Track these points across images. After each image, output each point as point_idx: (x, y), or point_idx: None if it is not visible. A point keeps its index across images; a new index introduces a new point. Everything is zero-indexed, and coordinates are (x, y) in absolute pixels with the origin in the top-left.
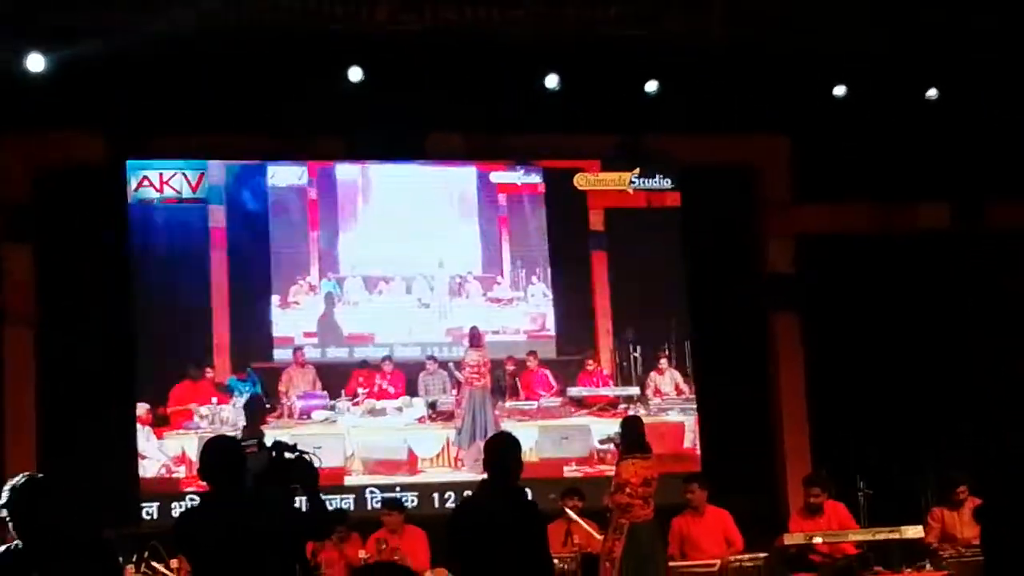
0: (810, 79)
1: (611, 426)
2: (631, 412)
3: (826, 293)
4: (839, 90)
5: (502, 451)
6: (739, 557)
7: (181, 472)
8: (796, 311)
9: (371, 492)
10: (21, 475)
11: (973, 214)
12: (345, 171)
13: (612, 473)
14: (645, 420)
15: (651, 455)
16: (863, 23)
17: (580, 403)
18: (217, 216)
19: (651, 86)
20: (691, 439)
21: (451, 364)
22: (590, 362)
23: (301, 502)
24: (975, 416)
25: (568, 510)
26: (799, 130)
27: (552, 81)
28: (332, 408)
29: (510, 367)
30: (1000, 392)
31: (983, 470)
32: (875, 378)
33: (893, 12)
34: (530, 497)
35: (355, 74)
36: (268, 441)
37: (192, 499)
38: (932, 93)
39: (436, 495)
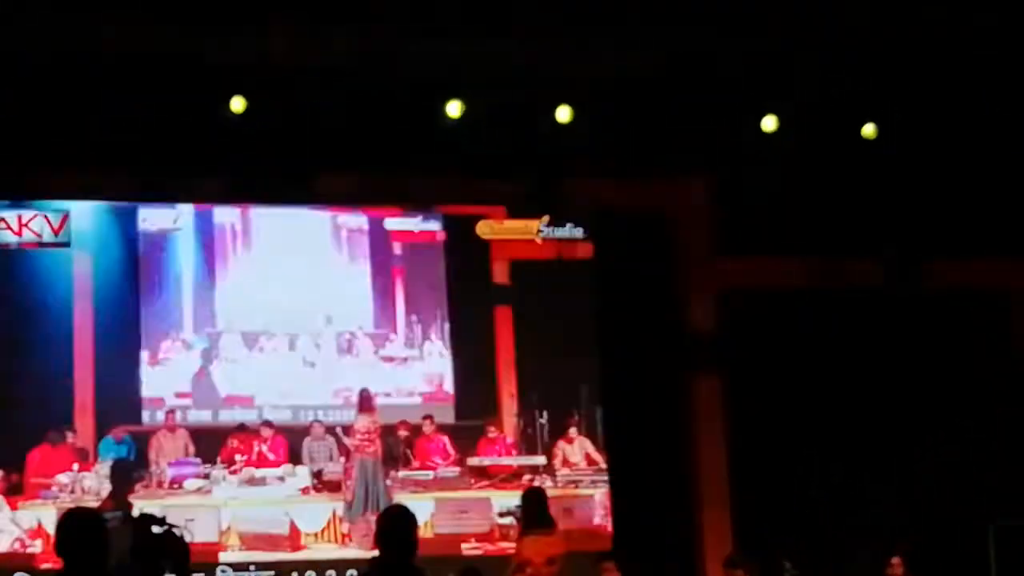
0: (735, 113)
1: (514, 499)
2: (535, 484)
3: (750, 353)
4: (768, 123)
5: (396, 525)
6: None
7: (37, 546)
8: (718, 373)
9: (248, 571)
10: None
11: (910, 272)
12: (224, 214)
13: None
14: (552, 493)
15: (555, 530)
16: (793, 49)
17: (481, 473)
18: (82, 263)
19: (563, 114)
20: (602, 514)
21: (339, 429)
22: (492, 428)
23: None
24: (907, 486)
25: None
26: (721, 172)
27: (454, 109)
28: (206, 476)
29: (403, 433)
30: (932, 460)
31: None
32: (803, 447)
33: (829, 41)
34: None
35: (237, 105)
36: (135, 513)
37: None
38: (869, 129)
39: (322, 574)
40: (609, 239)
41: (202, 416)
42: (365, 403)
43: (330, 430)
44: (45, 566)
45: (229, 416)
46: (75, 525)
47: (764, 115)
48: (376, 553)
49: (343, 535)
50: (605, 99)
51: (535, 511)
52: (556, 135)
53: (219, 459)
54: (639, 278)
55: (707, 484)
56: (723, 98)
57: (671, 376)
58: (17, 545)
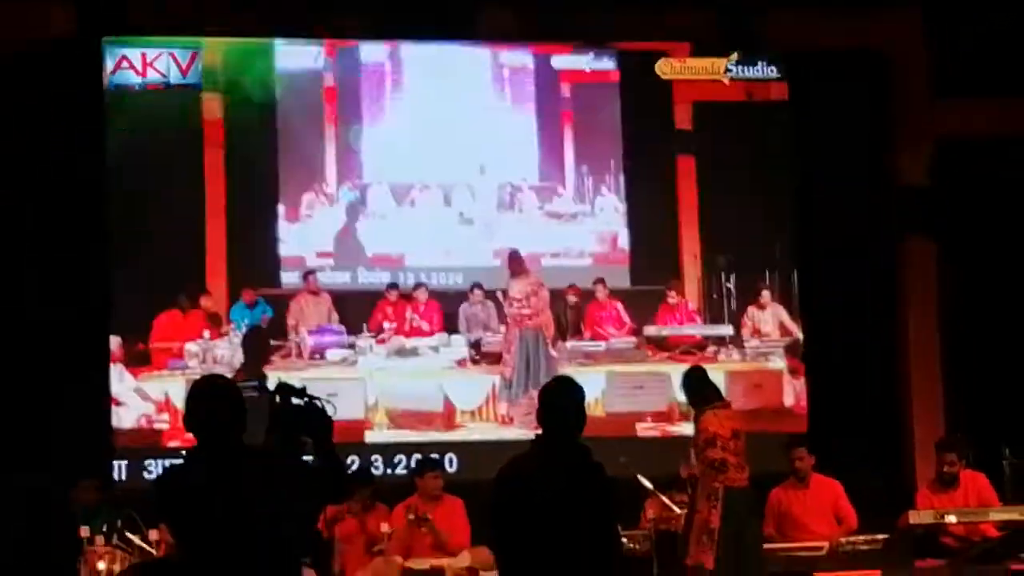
0: None
1: None
2: (721, 356)
3: (970, 213)
4: None
5: (560, 399)
6: (852, 539)
7: (164, 422)
8: (932, 235)
9: (398, 452)
10: None
11: None
12: (371, 52)
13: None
14: (739, 367)
15: (730, 406)
16: None
17: (659, 344)
18: (212, 106)
19: None
20: (796, 392)
21: (499, 293)
22: (672, 294)
23: (310, 459)
24: None
25: (642, 478)
26: (938, 1)
27: None
28: (351, 346)
29: (573, 298)
30: None
31: None
32: None
33: None
34: (595, 459)
35: None
36: (271, 384)
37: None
38: None
39: (478, 456)
40: (807, 79)
41: (347, 278)
42: (515, 264)
43: (490, 295)
44: (172, 443)
45: (377, 279)
46: (207, 395)
47: None
48: (539, 432)
49: (504, 415)
50: None
51: (704, 387)
52: None
53: (366, 326)
54: (841, 124)
55: (917, 359)
56: None
57: (878, 236)
58: (143, 421)
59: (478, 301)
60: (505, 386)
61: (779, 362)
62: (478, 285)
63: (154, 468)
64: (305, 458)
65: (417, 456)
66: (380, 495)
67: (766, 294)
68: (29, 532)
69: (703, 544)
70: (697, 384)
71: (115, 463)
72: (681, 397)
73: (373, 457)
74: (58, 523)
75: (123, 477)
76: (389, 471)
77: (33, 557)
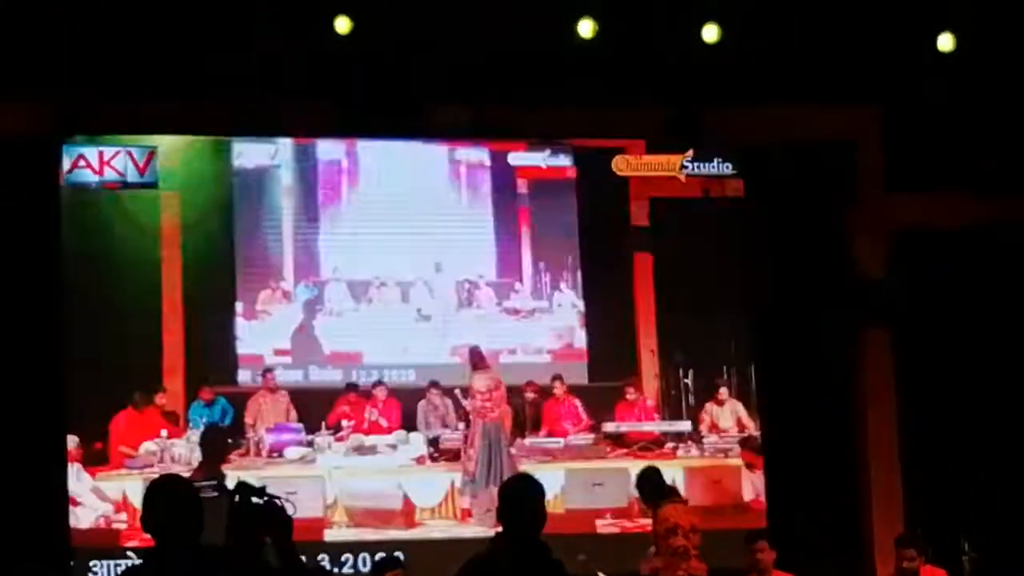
0: (906, 31)
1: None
2: (680, 452)
3: (926, 303)
4: (944, 42)
5: (520, 497)
6: None
7: (122, 521)
8: (889, 325)
9: (355, 551)
10: None
11: None
12: (328, 149)
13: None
14: (698, 463)
15: (687, 503)
16: None
17: (618, 441)
18: (170, 205)
19: (709, 33)
20: (754, 487)
21: (457, 391)
22: (630, 390)
23: (270, 559)
24: None
25: (601, 575)
26: (891, 99)
27: (586, 29)
28: (310, 444)
29: (530, 395)
30: None
31: None
32: (985, 410)
33: None
34: (555, 556)
35: (342, 26)
36: (230, 483)
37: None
38: None
39: (438, 554)
40: (762, 175)
41: (304, 376)
42: (478, 360)
43: (448, 392)
44: (131, 544)
45: (335, 376)
46: (165, 495)
47: (940, 33)
48: (498, 529)
49: (463, 510)
50: (756, 15)
51: (662, 484)
52: (701, 57)
53: (324, 424)
54: (797, 218)
55: (875, 452)
56: (893, 13)
57: (835, 329)
58: (101, 521)
59: (436, 398)
60: (468, 480)
61: (739, 458)
62: (435, 383)
63: (112, 569)
64: (266, 559)
65: (379, 555)
66: None
67: (723, 391)
68: None
69: None
70: (654, 482)
71: (73, 563)
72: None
73: (335, 555)
74: None
75: None
76: (349, 570)
77: None
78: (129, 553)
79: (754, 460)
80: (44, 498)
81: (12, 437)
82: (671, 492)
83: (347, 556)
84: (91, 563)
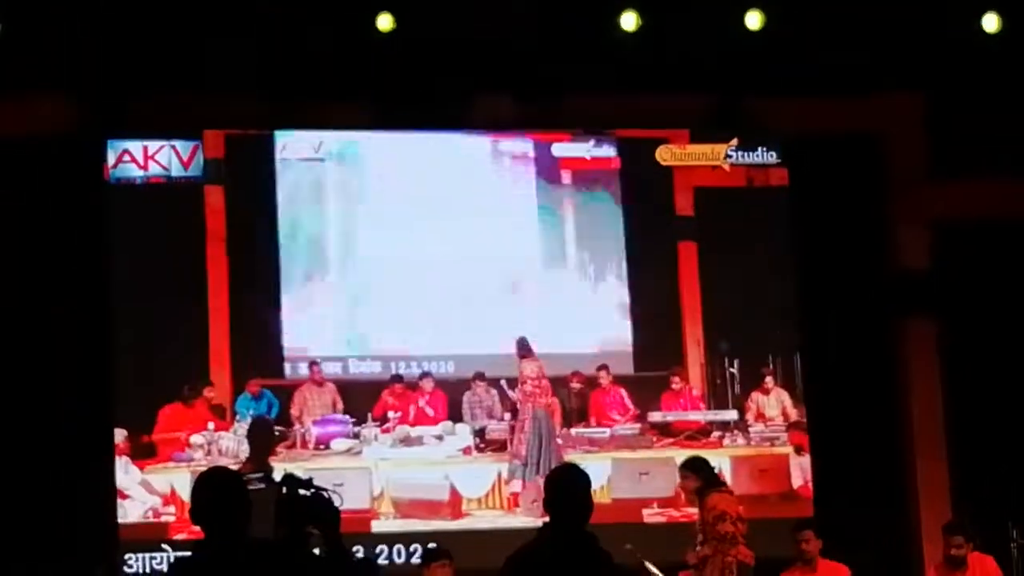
0: (950, 12)
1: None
2: (726, 441)
3: (970, 293)
4: (989, 23)
5: (567, 487)
6: None
7: (171, 514)
8: (933, 315)
9: (403, 542)
10: None
11: None
12: (372, 142)
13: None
14: (745, 452)
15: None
16: None
17: (664, 430)
18: (214, 198)
19: (753, 21)
20: (801, 476)
21: (503, 381)
22: (676, 380)
23: (318, 551)
24: None
25: (649, 565)
26: (936, 85)
27: (629, 21)
28: (356, 436)
29: (576, 385)
30: None
31: None
32: None
33: None
34: (602, 546)
35: (384, 22)
36: (277, 475)
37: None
38: None
39: (485, 545)
40: (806, 164)
41: (350, 368)
42: (524, 349)
43: (493, 383)
44: (179, 536)
45: (380, 367)
46: (213, 488)
47: (984, 13)
48: (545, 520)
49: (509, 499)
50: (799, 2)
51: (709, 473)
52: (746, 46)
53: (370, 416)
54: (841, 208)
55: (922, 441)
56: None
57: (879, 319)
58: (150, 514)
59: (481, 389)
60: (520, 465)
61: (785, 447)
62: (480, 374)
63: (166, 561)
64: (314, 550)
65: (430, 544)
66: None
67: (769, 380)
68: None
69: None
70: (702, 469)
71: (128, 556)
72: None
73: (379, 548)
74: None
75: (139, 571)
76: (398, 561)
77: None
78: (165, 546)
79: (802, 441)
80: (93, 492)
81: (61, 431)
82: (718, 481)
83: (394, 547)
84: (134, 556)
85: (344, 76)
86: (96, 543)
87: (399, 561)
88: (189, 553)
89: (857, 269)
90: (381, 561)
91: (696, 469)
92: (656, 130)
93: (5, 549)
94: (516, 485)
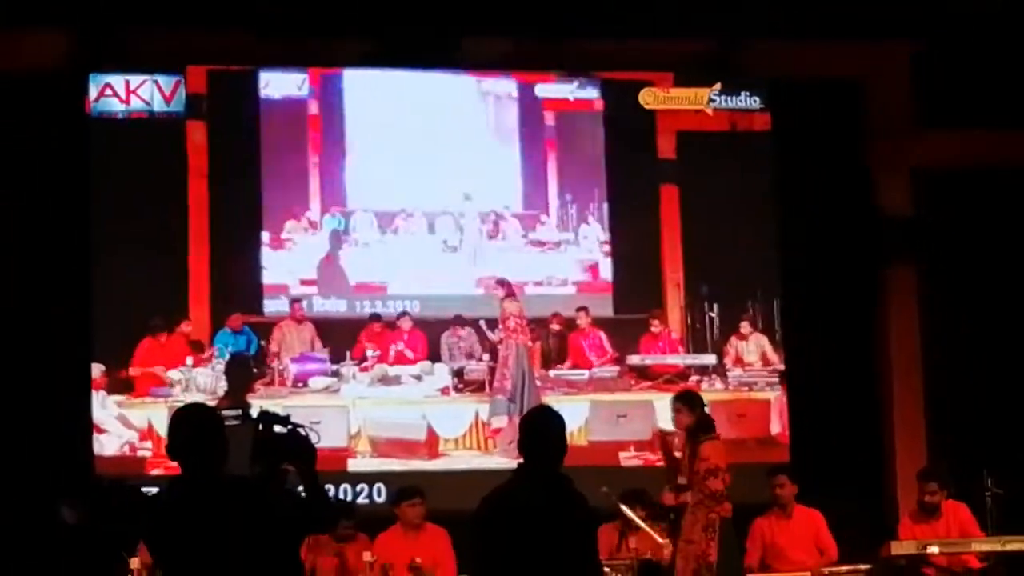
0: None
1: None
2: (704, 385)
3: (951, 241)
4: None
5: (540, 429)
6: (835, 569)
7: (147, 450)
8: (913, 263)
9: (380, 481)
10: None
11: None
12: (356, 80)
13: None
14: (722, 396)
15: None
16: None
17: (642, 374)
18: (196, 134)
19: None
20: (779, 421)
21: (482, 322)
22: (655, 323)
23: (293, 488)
24: None
25: (625, 508)
26: (921, 33)
27: None
28: (335, 374)
29: (555, 327)
30: None
31: None
32: (1009, 348)
33: None
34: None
35: None
36: (254, 412)
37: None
38: None
39: (460, 485)
40: (790, 109)
41: (329, 306)
42: (506, 288)
43: (472, 323)
44: (155, 472)
45: (360, 307)
46: (189, 424)
47: None
48: (521, 461)
49: (486, 440)
50: None
51: (704, 413)
52: None
53: (349, 355)
54: (825, 154)
55: (899, 388)
56: None
57: (860, 265)
58: (126, 448)
59: (460, 330)
60: (506, 400)
61: (763, 392)
62: (459, 316)
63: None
64: (289, 487)
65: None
66: (361, 525)
67: (747, 325)
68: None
69: None
70: (700, 404)
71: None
72: (665, 426)
73: (358, 486)
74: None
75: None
76: (377, 500)
77: None
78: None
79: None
80: (69, 426)
81: (37, 364)
82: (711, 426)
83: (374, 486)
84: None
85: (330, 12)
86: (73, 475)
87: (378, 500)
88: (166, 486)
89: (839, 215)
90: (359, 500)
91: (692, 404)
92: (640, 72)
93: None
94: (502, 421)
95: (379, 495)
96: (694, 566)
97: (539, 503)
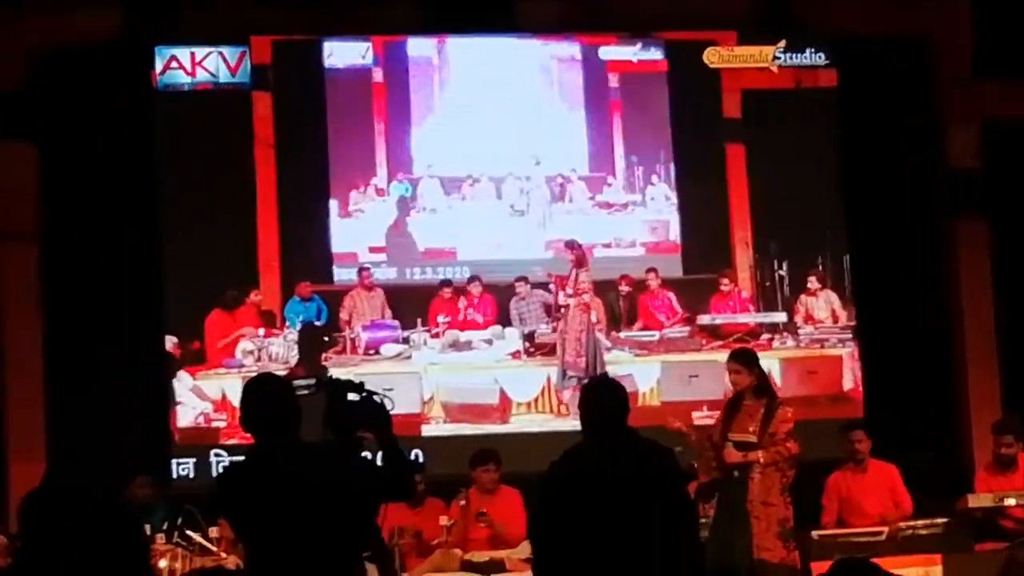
0: None
1: None
2: (776, 343)
3: (1021, 191)
4: None
5: (600, 402)
6: (912, 523)
7: (222, 420)
8: (984, 215)
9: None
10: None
11: None
12: (419, 47)
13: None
14: (794, 353)
15: None
16: None
17: (713, 333)
18: (262, 105)
19: None
20: (851, 377)
21: (552, 285)
22: (725, 282)
23: (370, 455)
24: None
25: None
26: None
27: None
28: (406, 341)
29: (625, 288)
30: None
31: None
32: None
33: None
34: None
35: None
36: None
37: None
38: None
39: (533, 448)
40: (855, 65)
41: (399, 273)
42: (579, 254)
43: (542, 286)
44: (231, 442)
45: (429, 273)
46: (263, 394)
47: None
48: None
49: (558, 404)
50: None
51: (762, 372)
52: None
53: (420, 322)
54: (891, 108)
55: (972, 341)
56: None
57: (930, 219)
58: (201, 419)
59: (526, 294)
60: (575, 372)
61: (835, 348)
62: (523, 278)
63: (218, 466)
64: (366, 454)
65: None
66: (435, 489)
67: (816, 281)
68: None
69: (788, 544)
70: (758, 363)
71: (174, 461)
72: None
73: (432, 450)
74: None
75: (190, 475)
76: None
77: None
78: (235, 449)
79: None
80: (146, 398)
81: (112, 338)
82: (771, 385)
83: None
84: (186, 461)
85: None
86: (150, 448)
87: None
88: (241, 458)
89: (906, 169)
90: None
91: (751, 364)
92: (703, 31)
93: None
94: (567, 395)
95: (452, 460)
96: (777, 529)
97: (609, 465)
